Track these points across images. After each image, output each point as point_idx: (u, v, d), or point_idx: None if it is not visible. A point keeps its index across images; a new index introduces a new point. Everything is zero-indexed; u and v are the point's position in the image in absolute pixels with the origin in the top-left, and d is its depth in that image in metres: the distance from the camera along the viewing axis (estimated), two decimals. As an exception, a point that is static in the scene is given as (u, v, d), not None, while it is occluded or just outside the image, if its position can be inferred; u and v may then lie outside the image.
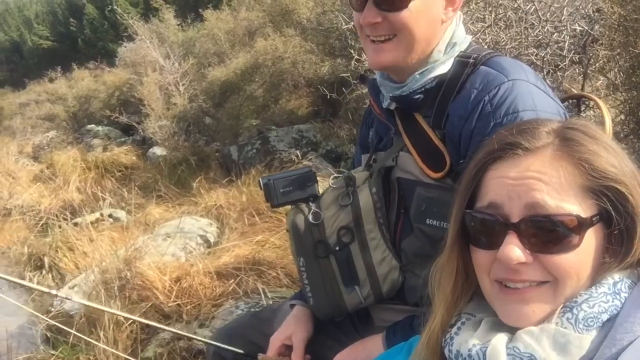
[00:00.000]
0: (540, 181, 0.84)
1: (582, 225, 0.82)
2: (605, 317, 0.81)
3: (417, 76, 1.40)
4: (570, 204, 0.83)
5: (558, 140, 0.88)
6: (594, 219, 0.84)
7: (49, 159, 10.11)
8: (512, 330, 0.86)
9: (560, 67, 2.69)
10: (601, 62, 3.12)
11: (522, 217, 0.84)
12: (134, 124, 10.59)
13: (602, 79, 3.34)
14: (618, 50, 2.75)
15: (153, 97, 9.79)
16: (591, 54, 2.88)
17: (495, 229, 0.86)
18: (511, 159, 0.88)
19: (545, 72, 2.66)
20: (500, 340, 0.84)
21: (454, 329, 0.93)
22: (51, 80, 20.36)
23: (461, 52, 1.42)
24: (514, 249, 0.83)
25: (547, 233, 0.82)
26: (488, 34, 2.66)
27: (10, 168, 10.06)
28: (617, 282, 0.84)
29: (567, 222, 0.82)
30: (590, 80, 3.28)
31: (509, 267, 0.84)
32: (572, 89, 3.02)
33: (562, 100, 1.71)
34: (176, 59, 10.16)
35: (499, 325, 0.88)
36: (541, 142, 0.88)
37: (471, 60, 1.39)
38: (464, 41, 1.43)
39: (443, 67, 1.40)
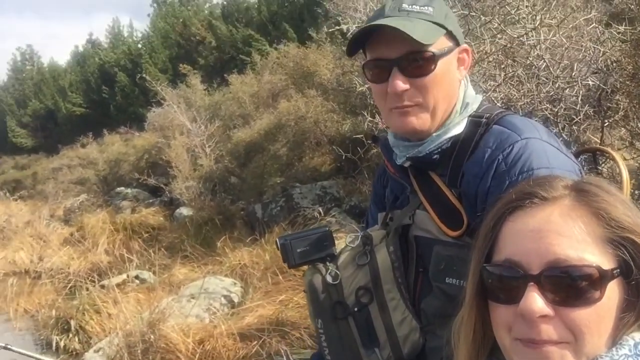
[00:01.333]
0: (560, 235, 0.83)
1: (603, 278, 0.80)
2: None
3: (434, 136, 1.41)
4: (592, 255, 0.81)
5: (574, 193, 0.87)
6: (614, 271, 0.82)
7: (79, 222, 10.35)
8: None
9: (575, 121, 2.68)
10: (622, 112, 3.11)
11: (543, 269, 0.82)
12: (162, 185, 10.83)
13: (624, 126, 3.32)
14: (636, 101, 2.74)
15: (180, 159, 10.05)
16: (608, 105, 2.88)
17: (515, 283, 0.84)
18: (529, 208, 0.87)
19: (560, 127, 2.66)
20: None
21: None
22: (83, 146, 21.11)
23: (473, 112, 1.44)
24: (536, 301, 0.81)
25: (569, 285, 0.81)
26: (500, 91, 2.69)
27: (41, 232, 10.33)
28: (638, 343, 0.82)
29: (589, 274, 0.80)
30: (612, 129, 3.26)
31: (531, 321, 0.82)
32: (595, 139, 3.01)
33: (577, 154, 1.70)
34: (202, 122, 10.48)
35: None
36: (558, 193, 0.88)
37: (484, 120, 1.40)
38: (475, 100, 1.45)
39: (458, 127, 1.41)
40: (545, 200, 0.87)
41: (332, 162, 8.51)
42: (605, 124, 3.07)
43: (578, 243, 0.82)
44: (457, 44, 1.40)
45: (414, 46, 1.31)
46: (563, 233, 0.83)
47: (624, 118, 3.17)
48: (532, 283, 0.82)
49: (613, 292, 0.82)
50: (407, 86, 1.33)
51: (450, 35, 1.37)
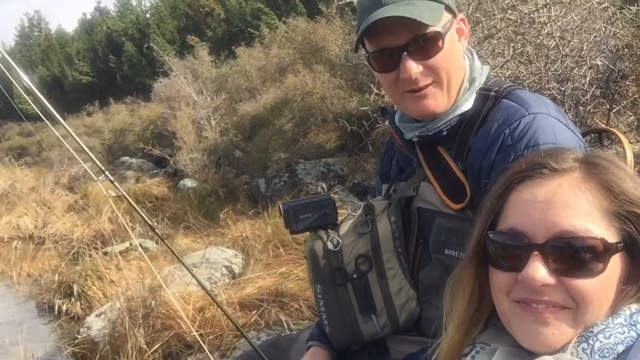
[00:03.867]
0: (568, 206, 0.83)
1: (607, 251, 0.81)
2: (620, 348, 0.80)
3: (443, 115, 1.41)
4: (597, 228, 0.82)
5: (584, 165, 0.88)
6: (618, 245, 0.83)
7: (83, 189, 10.40)
8: (526, 358, 0.85)
9: (582, 101, 2.67)
10: (632, 98, 3.10)
11: (548, 239, 0.83)
12: (167, 156, 10.87)
13: (631, 115, 3.31)
14: (645, 86, 2.72)
15: (185, 131, 10.06)
16: (617, 90, 2.86)
17: (519, 251, 0.85)
18: (538, 178, 0.88)
19: (566, 107, 2.65)
20: None
21: (468, 358, 0.92)
22: (89, 114, 21.13)
23: (482, 85, 1.43)
24: (539, 270, 0.82)
25: (572, 256, 0.81)
26: (508, 68, 2.67)
27: (46, 198, 10.40)
28: (634, 313, 0.83)
29: (593, 246, 0.81)
30: (619, 116, 3.25)
31: (532, 288, 0.83)
32: (600, 124, 2.99)
33: (584, 134, 1.70)
34: (209, 94, 10.46)
35: (514, 355, 0.87)
36: (568, 165, 0.88)
37: (492, 94, 1.40)
38: (482, 73, 1.45)
39: (467, 103, 1.40)
40: (554, 171, 0.87)
41: (337, 140, 8.50)
42: (613, 110, 3.05)
43: (585, 215, 0.82)
44: (454, 15, 1.39)
45: (420, 29, 1.30)
46: (571, 205, 0.83)
47: (632, 104, 3.15)
48: (536, 252, 0.83)
49: (616, 264, 0.83)
50: (420, 69, 1.33)
51: (448, 8, 1.36)
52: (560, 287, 0.82)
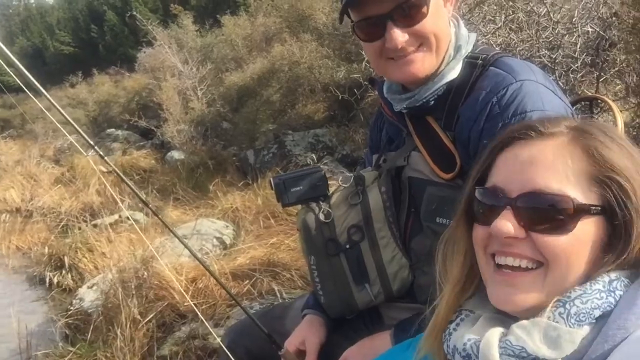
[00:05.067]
0: (546, 168, 0.85)
1: (578, 210, 0.83)
2: (597, 313, 0.81)
3: (430, 84, 1.41)
4: (572, 190, 0.84)
5: (573, 132, 0.89)
6: (592, 207, 0.84)
7: (69, 162, 10.30)
8: (507, 326, 0.86)
9: (572, 69, 2.68)
10: (619, 66, 3.10)
11: (520, 194, 0.86)
12: (153, 128, 10.76)
13: (620, 84, 3.32)
14: (634, 55, 2.73)
15: (171, 102, 9.94)
16: (606, 58, 2.87)
17: (495, 205, 0.88)
18: (524, 140, 0.90)
19: (557, 75, 2.65)
20: (493, 334, 0.85)
21: (453, 325, 0.94)
22: (72, 86, 20.75)
23: (469, 53, 1.43)
24: (506, 223, 0.85)
25: (542, 212, 0.84)
26: (499, 35, 2.67)
27: (32, 171, 10.29)
28: (613, 280, 0.84)
29: (563, 203, 0.83)
30: (607, 84, 3.26)
31: (501, 241, 0.87)
32: (590, 93, 3.00)
33: (575, 102, 1.71)
34: (194, 64, 10.31)
35: (496, 321, 0.89)
36: (557, 129, 0.90)
37: (479, 62, 1.40)
38: (468, 41, 1.44)
39: (453, 72, 1.40)
40: (541, 134, 0.89)
41: (326, 110, 8.46)
42: (601, 79, 3.07)
43: (562, 177, 0.84)
44: None
45: None
46: (549, 166, 0.86)
47: (619, 73, 3.16)
48: (508, 206, 0.86)
49: (589, 227, 0.84)
50: (405, 37, 1.32)
51: None
52: (530, 241, 0.85)
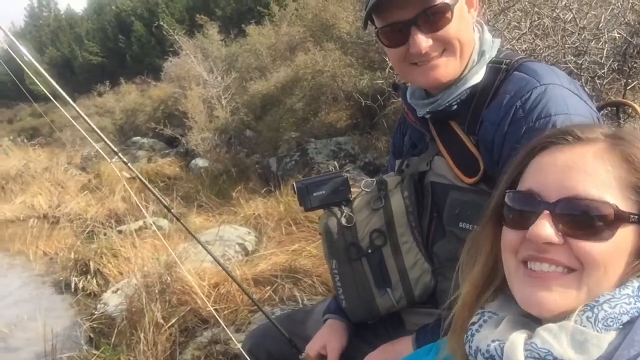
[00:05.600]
0: (586, 173, 0.84)
1: (618, 218, 0.81)
2: (625, 318, 0.80)
3: (453, 88, 1.41)
4: (612, 197, 0.82)
5: (610, 139, 0.88)
6: (632, 216, 0.82)
7: (96, 169, 10.49)
8: (532, 329, 0.85)
9: (598, 75, 2.64)
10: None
11: (559, 199, 0.84)
12: (178, 136, 10.91)
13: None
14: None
15: (196, 110, 10.07)
16: (634, 64, 2.82)
17: (530, 210, 0.86)
18: (561, 145, 0.89)
19: (583, 81, 2.62)
20: (518, 336, 0.84)
21: (475, 327, 0.93)
22: (100, 95, 21.18)
23: (493, 58, 1.43)
24: (545, 227, 0.82)
25: (582, 219, 0.82)
26: (524, 41, 2.65)
27: (59, 178, 10.51)
28: None
29: (603, 210, 0.81)
30: (635, 92, 3.20)
31: (537, 246, 0.84)
32: (617, 98, 2.95)
33: (601, 108, 1.69)
34: (219, 73, 10.43)
35: (520, 324, 0.88)
36: (593, 135, 0.88)
37: (503, 66, 1.40)
38: (492, 46, 1.44)
39: (477, 76, 1.40)
40: (578, 139, 0.88)
41: (348, 118, 8.47)
42: (629, 86, 3.01)
43: (602, 184, 0.83)
44: None
45: (428, 1, 1.30)
46: (589, 172, 0.84)
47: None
48: (546, 211, 0.84)
49: (627, 235, 0.83)
50: (429, 42, 1.33)
51: None
52: (566, 247, 0.83)
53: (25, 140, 17.49)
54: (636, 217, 0.83)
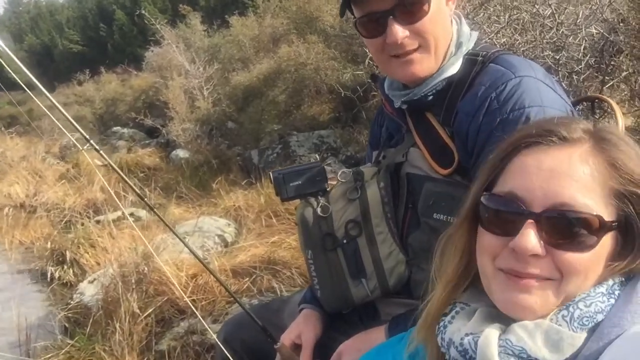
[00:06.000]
0: (572, 178, 0.82)
1: (602, 228, 0.80)
2: (600, 317, 0.81)
3: (429, 79, 1.42)
4: (596, 204, 0.81)
5: (594, 140, 0.86)
6: (613, 224, 0.82)
7: (74, 159, 10.34)
8: (505, 323, 0.85)
9: (576, 70, 2.67)
10: (625, 73, 3.09)
11: (546, 208, 0.81)
12: (159, 126, 10.81)
13: (625, 89, 3.30)
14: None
15: (178, 101, 9.97)
16: (611, 62, 2.86)
17: (513, 217, 0.84)
18: (546, 146, 0.86)
19: (560, 76, 2.65)
20: (493, 331, 0.83)
21: (448, 318, 0.93)
22: (80, 83, 20.83)
23: (469, 50, 1.44)
24: (531, 239, 0.80)
25: (567, 229, 0.80)
26: (503, 35, 2.67)
27: (37, 167, 10.33)
28: (615, 283, 0.84)
29: (589, 222, 0.80)
30: (613, 90, 3.25)
31: (521, 258, 0.82)
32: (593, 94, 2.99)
33: (576, 103, 1.71)
34: (201, 63, 10.34)
35: (493, 317, 0.87)
36: (577, 135, 0.86)
37: (480, 58, 1.41)
38: (470, 39, 1.45)
39: (453, 68, 1.42)
40: (564, 140, 0.85)
41: (331, 112, 8.46)
42: (607, 85, 3.05)
43: (587, 190, 0.81)
44: None
45: None
46: (575, 177, 0.82)
47: (625, 79, 3.14)
48: (531, 221, 0.81)
49: (607, 241, 0.83)
50: (406, 33, 1.34)
51: None
52: (548, 259, 0.82)
53: (2, 129, 17.14)
54: (616, 224, 0.83)
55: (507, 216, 0.85)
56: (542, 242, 0.81)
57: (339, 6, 1.44)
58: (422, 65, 1.39)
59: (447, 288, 0.96)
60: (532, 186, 0.83)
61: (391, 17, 1.33)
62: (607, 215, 0.82)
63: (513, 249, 0.82)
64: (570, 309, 0.81)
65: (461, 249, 0.95)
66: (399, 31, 1.33)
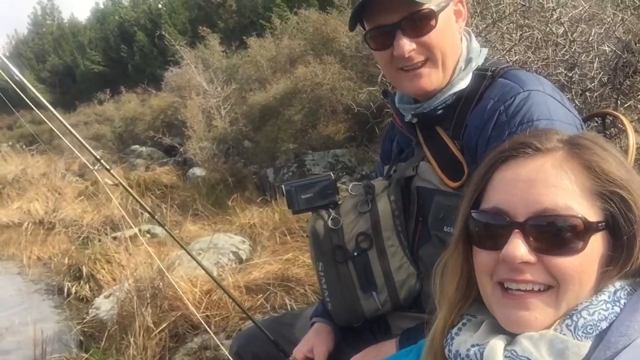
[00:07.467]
0: (550, 185, 0.83)
1: (588, 229, 0.81)
2: (604, 325, 0.81)
3: (438, 94, 1.45)
4: (579, 206, 0.82)
5: (568, 146, 0.88)
6: (599, 224, 0.83)
7: (93, 176, 10.47)
8: (512, 334, 0.85)
9: (589, 88, 2.67)
10: (640, 91, 3.07)
11: (529, 217, 0.83)
12: (176, 145, 10.94)
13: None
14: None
15: (195, 120, 10.11)
16: (625, 82, 2.85)
17: (500, 230, 0.85)
18: (521, 158, 0.88)
19: (573, 93, 2.65)
20: (498, 342, 0.84)
21: (455, 329, 0.93)
22: (100, 103, 21.25)
23: (479, 66, 1.46)
24: (519, 247, 0.82)
25: (553, 234, 0.82)
26: (516, 52, 2.68)
27: (56, 184, 10.50)
28: (617, 290, 0.83)
29: (573, 224, 0.81)
30: (630, 112, 3.22)
31: (513, 267, 0.83)
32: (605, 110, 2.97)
33: (587, 118, 1.72)
34: (219, 83, 10.50)
35: (499, 328, 0.87)
36: (552, 144, 0.88)
37: (489, 73, 1.43)
38: (480, 55, 1.48)
39: (462, 82, 1.44)
40: (538, 151, 0.87)
41: (346, 131, 8.50)
42: (625, 105, 3.03)
43: (566, 193, 0.83)
44: None
45: (413, 7, 1.33)
46: (553, 183, 0.83)
47: (640, 98, 3.12)
48: (516, 230, 0.83)
49: (597, 243, 0.83)
50: (413, 46, 1.36)
51: None
52: (541, 265, 0.83)
53: (24, 147, 17.47)
54: (603, 224, 0.83)
55: (495, 229, 0.86)
56: (531, 249, 0.82)
57: (350, 20, 1.47)
58: (431, 78, 1.41)
59: (452, 312, 0.96)
60: (513, 198, 0.85)
61: (399, 30, 1.36)
62: (592, 215, 0.82)
63: (503, 259, 0.84)
64: (574, 318, 0.82)
65: (459, 271, 0.95)
66: (406, 44, 1.36)
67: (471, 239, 0.92)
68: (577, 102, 2.62)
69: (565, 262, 0.82)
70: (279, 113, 8.83)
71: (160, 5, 30.36)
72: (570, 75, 2.61)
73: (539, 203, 0.83)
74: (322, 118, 8.60)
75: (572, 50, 2.63)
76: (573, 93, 2.62)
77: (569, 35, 2.64)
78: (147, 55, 26.67)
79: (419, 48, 1.37)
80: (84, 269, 5.24)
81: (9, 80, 2.48)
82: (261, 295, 3.70)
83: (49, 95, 33.48)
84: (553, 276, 0.83)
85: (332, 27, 8.67)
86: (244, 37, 13.08)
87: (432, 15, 1.35)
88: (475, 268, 0.92)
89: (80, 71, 32.62)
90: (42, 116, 2.65)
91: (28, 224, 8.05)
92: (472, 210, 0.92)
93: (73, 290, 5.24)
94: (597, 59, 2.59)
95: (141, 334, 3.24)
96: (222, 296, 3.63)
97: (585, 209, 0.83)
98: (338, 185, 1.68)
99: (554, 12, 2.69)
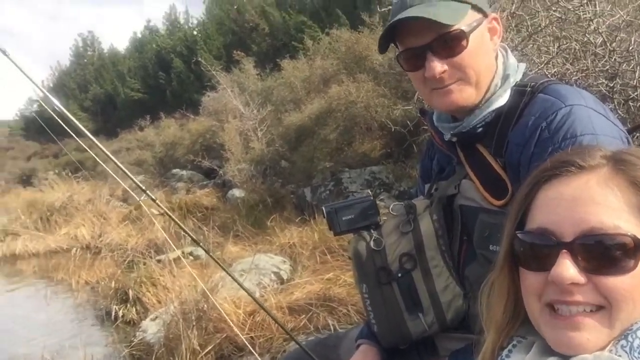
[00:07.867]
0: (595, 203, 0.81)
1: (638, 247, 0.79)
2: None
3: (477, 111, 1.44)
4: (627, 223, 0.80)
5: (612, 163, 0.86)
6: None
7: (137, 201, 10.76)
8: (564, 356, 0.83)
9: (632, 97, 2.60)
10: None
11: (576, 236, 0.81)
12: (215, 167, 11.15)
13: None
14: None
15: (233, 143, 10.29)
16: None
17: (547, 250, 0.83)
18: (565, 176, 0.86)
19: (616, 104, 2.59)
20: None
21: (505, 352, 0.92)
22: (141, 129, 21.86)
23: (517, 82, 1.45)
24: (568, 268, 0.80)
25: (602, 254, 0.79)
26: (554, 65, 2.64)
27: (102, 210, 10.83)
28: None
29: (623, 242, 0.79)
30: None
31: (562, 288, 0.81)
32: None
33: (632, 130, 1.68)
34: (255, 106, 10.69)
35: (550, 350, 0.85)
36: (595, 162, 0.86)
37: (528, 89, 1.41)
38: (517, 71, 1.46)
39: (501, 99, 1.43)
40: (581, 168, 0.85)
41: (382, 148, 8.50)
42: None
43: (613, 211, 0.80)
44: (485, 14, 1.41)
45: (442, 29, 1.33)
46: (598, 201, 0.81)
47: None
48: (564, 250, 0.81)
49: None
50: (444, 67, 1.36)
51: (476, 8, 1.39)
52: (591, 286, 0.80)
53: (69, 174, 18.07)
54: None
55: (541, 250, 0.84)
56: (580, 269, 0.80)
57: (379, 43, 1.49)
58: (462, 94, 1.41)
59: (499, 334, 0.94)
60: (558, 218, 0.83)
61: (429, 52, 1.36)
62: None
63: (552, 280, 0.82)
64: (629, 338, 0.79)
65: (506, 293, 0.94)
66: (437, 66, 1.36)
67: (517, 260, 0.90)
68: (620, 112, 2.56)
69: (616, 282, 0.79)
70: (315, 132, 8.91)
71: (195, 32, 31.23)
72: (612, 85, 2.55)
73: (586, 222, 0.81)
74: (357, 136, 8.63)
75: (612, 59, 2.58)
76: (615, 103, 2.56)
77: (608, 44, 2.59)
78: (184, 81, 27.36)
79: (450, 69, 1.37)
80: (130, 292, 5.36)
81: (51, 112, 2.60)
82: (304, 315, 3.70)
83: (91, 123, 34.65)
84: (604, 296, 0.80)
85: (364, 46, 8.73)
86: (277, 60, 13.29)
87: (462, 36, 1.35)
88: (522, 289, 0.90)
89: (120, 99, 33.71)
90: (84, 145, 2.74)
91: (76, 249, 8.30)
92: (517, 231, 0.90)
93: (120, 313, 5.36)
94: (638, 67, 2.53)
95: (188, 356, 3.28)
96: (265, 317, 3.64)
97: (633, 226, 0.80)
98: (377, 202, 1.68)
99: (590, 23, 2.65)
